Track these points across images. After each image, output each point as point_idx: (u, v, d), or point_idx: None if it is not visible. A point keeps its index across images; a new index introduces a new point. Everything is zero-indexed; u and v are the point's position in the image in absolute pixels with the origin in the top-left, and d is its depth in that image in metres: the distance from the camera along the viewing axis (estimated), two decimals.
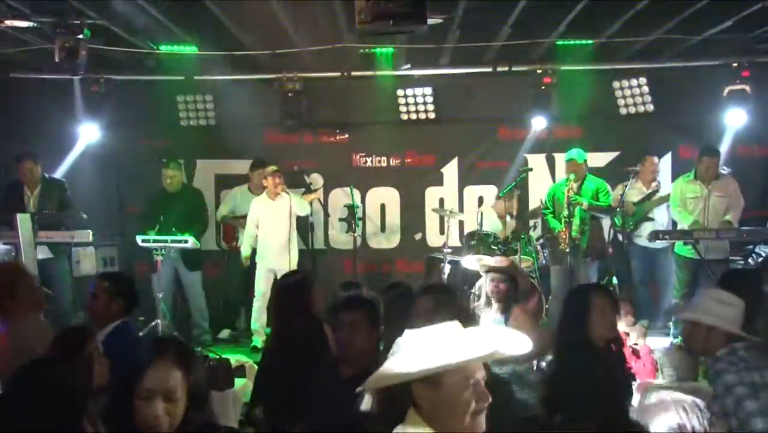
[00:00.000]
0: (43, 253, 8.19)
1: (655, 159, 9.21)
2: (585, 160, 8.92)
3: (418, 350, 2.34)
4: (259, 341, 8.65)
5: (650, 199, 9.00)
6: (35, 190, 8.66)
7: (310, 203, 9.27)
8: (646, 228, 8.85)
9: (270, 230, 8.82)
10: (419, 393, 2.34)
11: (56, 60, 7.46)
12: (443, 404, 2.32)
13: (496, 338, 2.44)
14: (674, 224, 8.89)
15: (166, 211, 8.82)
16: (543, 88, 9.32)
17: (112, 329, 4.67)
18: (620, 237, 9.01)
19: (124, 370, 4.35)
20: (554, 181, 9.77)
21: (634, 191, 9.06)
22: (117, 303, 4.72)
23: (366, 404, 2.58)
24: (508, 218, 9.32)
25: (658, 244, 8.47)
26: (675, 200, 8.58)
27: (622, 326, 5.89)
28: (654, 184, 9.05)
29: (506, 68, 9.64)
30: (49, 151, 9.22)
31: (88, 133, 9.53)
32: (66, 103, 9.38)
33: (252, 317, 8.85)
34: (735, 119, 9.11)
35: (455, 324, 2.44)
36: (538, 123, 9.66)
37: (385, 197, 10.41)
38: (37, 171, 8.68)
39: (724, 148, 9.13)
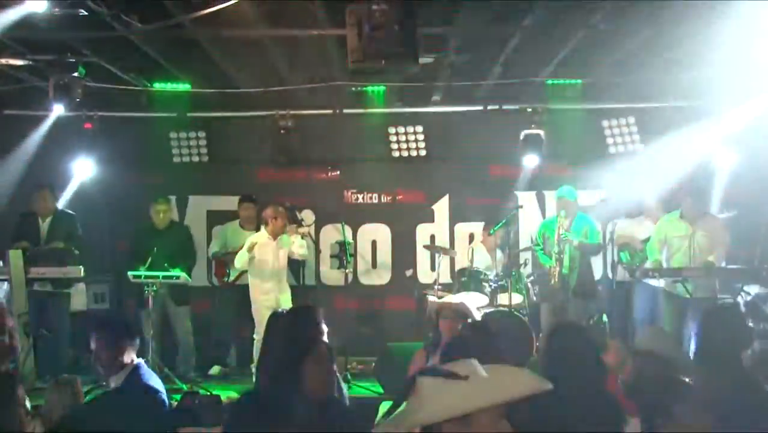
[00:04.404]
0: (44, 286, 8.20)
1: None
2: (576, 199, 8.94)
3: (449, 389, 2.27)
4: None
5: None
6: (47, 220, 8.72)
7: (302, 237, 9.14)
8: None
9: (271, 268, 8.40)
10: None
11: (50, 97, 7.52)
12: None
13: (520, 374, 2.41)
14: None
15: (153, 247, 8.60)
16: (533, 126, 9.41)
17: (124, 379, 4.43)
18: (627, 273, 8.95)
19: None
20: (544, 218, 9.83)
21: (643, 228, 9.05)
22: (118, 349, 4.45)
23: None
24: (498, 253, 9.34)
25: (660, 283, 8.44)
26: (654, 238, 8.56)
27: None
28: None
29: (497, 107, 9.76)
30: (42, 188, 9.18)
31: (83, 170, 9.52)
32: (59, 140, 9.38)
33: (255, 354, 8.32)
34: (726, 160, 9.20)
35: (473, 361, 2.38)
36: (530, 161, 9.69)
37: (377, 234, 10.42)
38: (52, 202, 8.80)
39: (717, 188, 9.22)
